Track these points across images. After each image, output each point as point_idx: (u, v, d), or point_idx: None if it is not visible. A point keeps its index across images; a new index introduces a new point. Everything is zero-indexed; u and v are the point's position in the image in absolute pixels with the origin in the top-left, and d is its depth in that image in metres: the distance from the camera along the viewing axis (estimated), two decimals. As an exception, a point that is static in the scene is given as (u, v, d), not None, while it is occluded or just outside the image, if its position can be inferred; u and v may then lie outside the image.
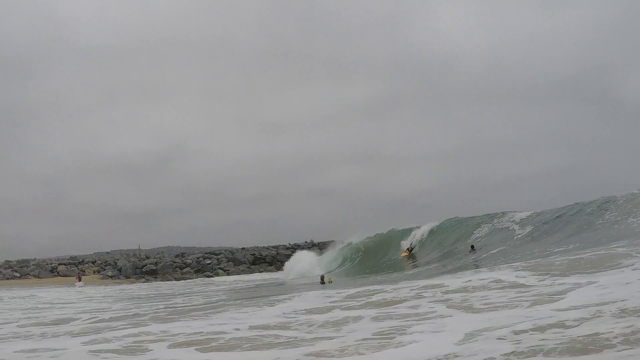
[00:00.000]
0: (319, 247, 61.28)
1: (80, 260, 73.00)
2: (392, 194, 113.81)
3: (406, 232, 40.56)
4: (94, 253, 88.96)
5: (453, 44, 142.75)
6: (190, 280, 54.67)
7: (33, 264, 69.98)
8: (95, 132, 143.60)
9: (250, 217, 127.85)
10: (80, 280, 52.34)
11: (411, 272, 28.95)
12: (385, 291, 14.50)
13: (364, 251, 43.19)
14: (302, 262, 45.30)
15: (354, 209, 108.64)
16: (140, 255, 75.53)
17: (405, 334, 8.43)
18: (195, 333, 9.57)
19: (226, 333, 9.42)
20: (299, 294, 17.11)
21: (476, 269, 20.67)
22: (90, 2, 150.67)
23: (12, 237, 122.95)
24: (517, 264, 17.64)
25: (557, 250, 22.00)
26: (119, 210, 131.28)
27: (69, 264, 68.66)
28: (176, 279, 58.08)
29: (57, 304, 26.28)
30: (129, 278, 60.75)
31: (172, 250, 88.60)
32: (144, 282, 56.47)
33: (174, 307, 18.65)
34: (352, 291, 15.43)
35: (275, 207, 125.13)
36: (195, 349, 8.33)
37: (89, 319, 15.33)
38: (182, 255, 71.46)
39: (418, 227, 40.41)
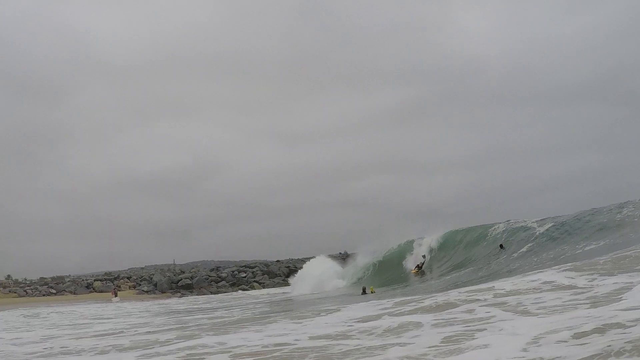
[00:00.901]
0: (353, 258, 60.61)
1: (116, 275, 73.58)
2: (422, 202, 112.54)
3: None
4: (128, 269, 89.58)
5: (478, 47, 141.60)
6: (226, 293, 54.65)
7: (68, 281, 70.73)
8: (128, 149, 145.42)
9: (283, 228, 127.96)
10: (116, 295, 52.63)
11: (442, 279, 28.21)
12: (433, 297, 14.11)
13: (387, 261, 40.83)
14: (320, 272, 42.60)
15: (385, 218, 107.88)
16: (175, 269, 75.82)
17: (473, 338, 8.18)
18: (255, 345, 9.28)
19: (288, 344, 9.14)
20: (344, 304, 16.76)
21: (510, 271, 20.10)
22: (119, 20, 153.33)
23: (47, 255, 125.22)
24: (560, 265, 17.10)
25: (588, 248, 21.32)
26: (153, 226, 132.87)
27: (104, 279, 69.21)
28: (212, 293, 58.18)
29: (97, 319, 26.36)
30: (165, 293, 60.95)
31: (206, 264, 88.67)
32: (179, 296, 56.59)
33: (219, 319, 18.42)
34: (398, 299, 15.06)
35: (307, 218, 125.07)
36: (262, 361, 8.04)
37: (135, 333, 15.15)
38: (217, 269, 71.53)
39: (420, 239, 38.96)
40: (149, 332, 15.30)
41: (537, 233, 28.78)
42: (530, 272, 17.86)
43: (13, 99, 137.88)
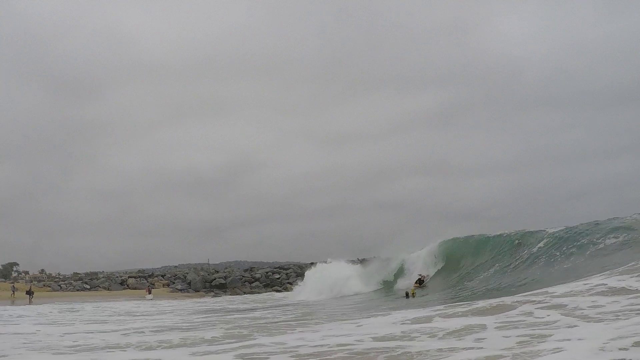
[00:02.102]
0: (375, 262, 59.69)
1: (150, 273, 74.20)
2: (458, 205, 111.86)
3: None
4: (162, 267, 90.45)
5: (517, 49, 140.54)
6: (260, 294, 54.57)
7: (102, 277, 71.56)
8: (164, 147, 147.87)
9: (318, 229, 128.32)
10: (150, 293, 52.97)
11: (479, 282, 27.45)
12: (485, 299, 13.73)
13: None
14: (338, 275, 39.01)
15: (422, 220, 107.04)
16: (209, 269, 76.11)
17: (544, 342, 8.06)
18: (317, 345, 9.00)
19: (351, 344, 8.88)
20: (393, 306, 16.43)
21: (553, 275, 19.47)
22: (157, 20, 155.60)
23: (81, 250, 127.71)
24: (610, 269, 16.56)
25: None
26: (188, 224, 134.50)
27: (139, 277, 69.88)
28: (245, 293, 58.22)
29: (137, 315, 26.49)
30: (198, 292, 61.24)
31: (240, 264, 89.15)
32: (212, 296, 56.78)
33: (262, 320, 18.17)
34: (447, 300, 14.64)
35: (343, 219, 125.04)
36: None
37: (180, 330, 14.97)
38: (251, 269, 71.62)
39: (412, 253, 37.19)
40: (193, 330, 15.13)
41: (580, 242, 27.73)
42: (582, 277, 17.38)
43: (51, 97, 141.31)
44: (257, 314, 23.02)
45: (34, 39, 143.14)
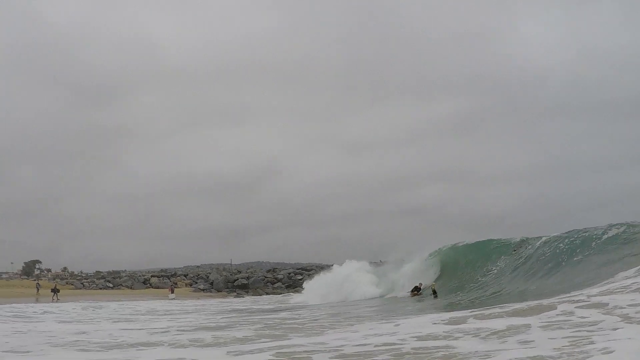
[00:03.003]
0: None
1: (172, 272, 74.55)
2: (479, 212, 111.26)
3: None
4: (184, 266, 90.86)
5: (539, 57, 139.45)
6: (282, 295, 54.51)
7: (125, 275, 72.02)
8: (186, 152, 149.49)
9: (339, 234, 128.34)
10: (172, 292, 53.14)
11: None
12: (518, 301, 13.51)
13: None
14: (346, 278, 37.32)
15: (442, 227, 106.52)
16: (231, 269, 76.30)
17: (592, 342, 7.95)
18: (360, 344, 8.84)
19: (395, 344, 8.70)
20: (419, 308, 16.22)
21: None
22: (180, 26, 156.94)
23: (103, 251, 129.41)
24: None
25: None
26: (210, 228, 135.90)
27: (161, 276, 70.29)
28: (267, 294, 58.18)
29: (163, 314, 26.53)
30: (221, 292, 61.40)
31: (261, 265, 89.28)
32: (235, 296, 56.85)
33: (291, 320, 18.03)
34: (474, 304, 14.38)
35: (364, 225, 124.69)
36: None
37: (207, 329, 14.88)
38: (274, 270, 71.64)
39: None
40: (223, 329, 15.04)
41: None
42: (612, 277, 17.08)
43: (75, 102, 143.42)
44: (284, 314, 22.92)
45: (58, 45, 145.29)
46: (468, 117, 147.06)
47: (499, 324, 10.41)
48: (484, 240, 34.27)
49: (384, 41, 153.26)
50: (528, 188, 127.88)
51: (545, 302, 13.15)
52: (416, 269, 34.46)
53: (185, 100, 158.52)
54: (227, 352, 9.50)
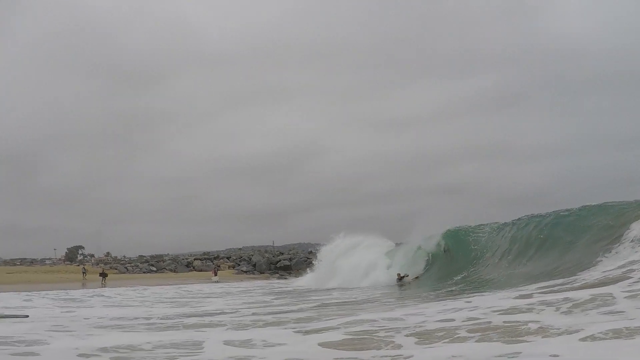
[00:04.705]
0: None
1: (215, 255, 75.37)
2: (519, 189, 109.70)
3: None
4: (226, 249, 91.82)
5: (577, 31, 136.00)
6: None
7: (168, 259, 73.04)
8: (225, 135, 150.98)
9: (378, 213, 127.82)
10: (216, 274, 53.63)
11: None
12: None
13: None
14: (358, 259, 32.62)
15: (483, 204, 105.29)
16: (273, 251, 76.79)
17: None
18: (440, 320, 8.68)
19: (479, 318, 8.53)
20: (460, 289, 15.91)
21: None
22: (216, 9, 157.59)
23: (145, 235, 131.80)
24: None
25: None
26: (250, 209, 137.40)
27: (204, 259, 71.10)
28: (310, 275, 58.28)
29: (214, 296, 26.72)
30: (263, 273, 61.86)
31: (302, 246, 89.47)
32: (278, 277, 57.10)
33: (345, 299, 17.97)
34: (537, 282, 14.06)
35: (404, 203, 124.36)
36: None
37: (264, 311, 14.88)
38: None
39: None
40: (280, 310, 15.02)
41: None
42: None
43: (115, 87, 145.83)
44: (335, 294, 22.86)
45: (97, 31, 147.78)
46: (505, 92, 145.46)
47: (581, 295, 10.12)
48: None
49: (420, 17, 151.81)
50: (567, 163, 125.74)
51: (610, 274, 12.83)
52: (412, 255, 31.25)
53: (224, 82, 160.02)
54: (295, 331, 9.42)
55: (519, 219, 26.24)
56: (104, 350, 8.12)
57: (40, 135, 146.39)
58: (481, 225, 29.18)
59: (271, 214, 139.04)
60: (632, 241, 15.57)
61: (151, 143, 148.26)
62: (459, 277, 22.87)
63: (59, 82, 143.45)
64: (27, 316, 15.15)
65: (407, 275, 27.59)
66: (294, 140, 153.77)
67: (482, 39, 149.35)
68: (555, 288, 12.35)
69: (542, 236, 22.33)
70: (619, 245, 15.79)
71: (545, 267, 18.18)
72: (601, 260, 15.21)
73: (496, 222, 28.56)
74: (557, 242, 20.62)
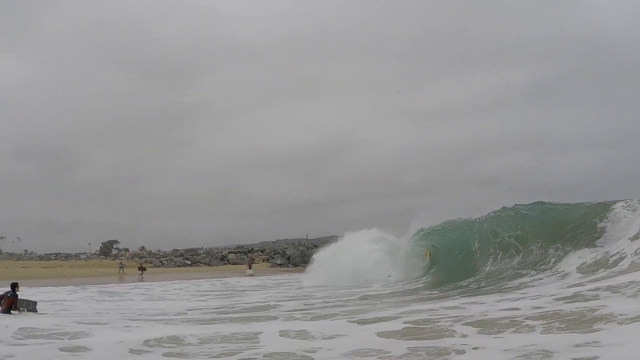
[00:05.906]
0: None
1: (249, 248, 75.67)
2: (558, 180, 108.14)
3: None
4: (260, 242, 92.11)
5: (614, 21, 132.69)
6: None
7: (202, 252, 73.52)
8: (260, 128, 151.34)
9: (416, 205, 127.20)
10: (250, 267, 53.82)
11: None
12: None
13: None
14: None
15: (517, 196, 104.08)
16: (308, 244, 76.84)
17: None
18: (503, 309, 8.50)
19: (544, 307, 8.31)
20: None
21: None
22: (248, 2, 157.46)
23: (179, 229, 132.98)
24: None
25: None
26: (285, 202, 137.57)
27: (238, 252, 71.47)
28: (345, 268, 58.12)
29: (254, 289, 26.95)
30: (297, 266, 61.88)
31: (336, 239, 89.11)
32: (313, 270, 57.01)
33: (388, 291, 17.85)
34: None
35: (441, 195, 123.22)
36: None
37: (308, 302, 14.85)
38: (350, 243, 71.60)
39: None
40: (326, 302, 14.98)
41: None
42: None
43: (149, 82, 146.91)
44: (376, 286, 22.72)
45: (131, 26, 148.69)
46: (544, 83, 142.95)
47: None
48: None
49: (458, 8, 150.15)
50: (607, 154, 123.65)
51: None
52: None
53: (258, 75, 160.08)
54: (349, 321, 9.34)
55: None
56: (158, 341, 8.13)
57: (75, 130, 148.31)
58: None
59: (305, 206, 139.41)
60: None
61: (186, 137, 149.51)
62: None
63: (95, 77, 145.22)
64: (36, 302, 15.45)
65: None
66: (329, 132, 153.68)
67: (518, 29, 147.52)
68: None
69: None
70: None
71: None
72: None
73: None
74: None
